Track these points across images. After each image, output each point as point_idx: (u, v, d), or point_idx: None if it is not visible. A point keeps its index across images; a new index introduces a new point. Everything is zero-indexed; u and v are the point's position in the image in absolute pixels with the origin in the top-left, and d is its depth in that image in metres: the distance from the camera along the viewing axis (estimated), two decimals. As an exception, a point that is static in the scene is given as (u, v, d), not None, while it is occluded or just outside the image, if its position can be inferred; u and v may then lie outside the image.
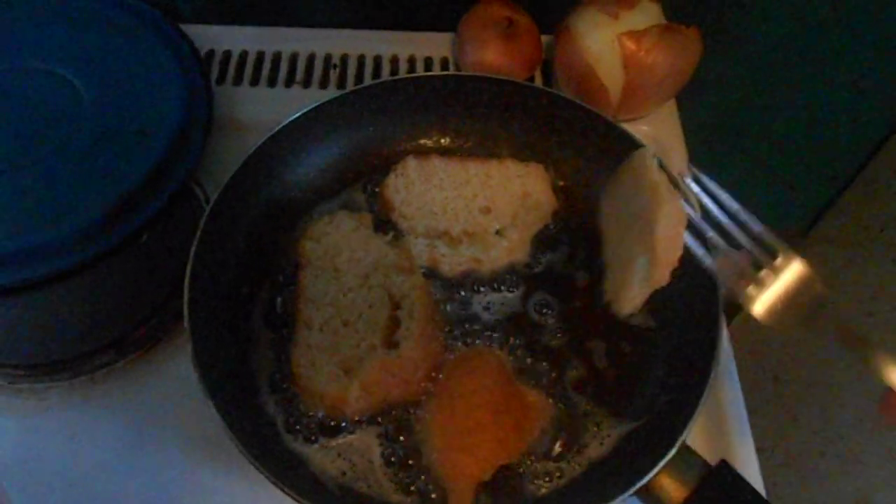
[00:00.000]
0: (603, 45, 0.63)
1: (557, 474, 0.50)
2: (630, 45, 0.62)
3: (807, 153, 0.99)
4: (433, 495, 0.49)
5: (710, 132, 0.91)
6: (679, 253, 0.47)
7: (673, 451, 0.45)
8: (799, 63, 0.84)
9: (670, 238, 0.47)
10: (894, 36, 0.83)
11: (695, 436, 0.51)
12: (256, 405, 0.51)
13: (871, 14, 0.80)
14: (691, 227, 0.47)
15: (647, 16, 0.64)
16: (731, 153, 0.97)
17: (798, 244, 1.13)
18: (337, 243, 0.57)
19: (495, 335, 0.55)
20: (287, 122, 0.58)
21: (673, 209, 0.47)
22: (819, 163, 1.01)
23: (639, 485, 0.44)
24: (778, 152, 0.98)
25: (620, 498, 0.44)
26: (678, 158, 0.70)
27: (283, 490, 0.43)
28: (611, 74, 0.64)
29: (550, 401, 0.53)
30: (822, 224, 1.09)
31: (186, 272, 0.51)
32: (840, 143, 0.97)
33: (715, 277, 0.50)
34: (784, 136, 0.96)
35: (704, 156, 0.88)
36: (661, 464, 0.44)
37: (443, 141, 0.64)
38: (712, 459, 0.46)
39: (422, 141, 0.64)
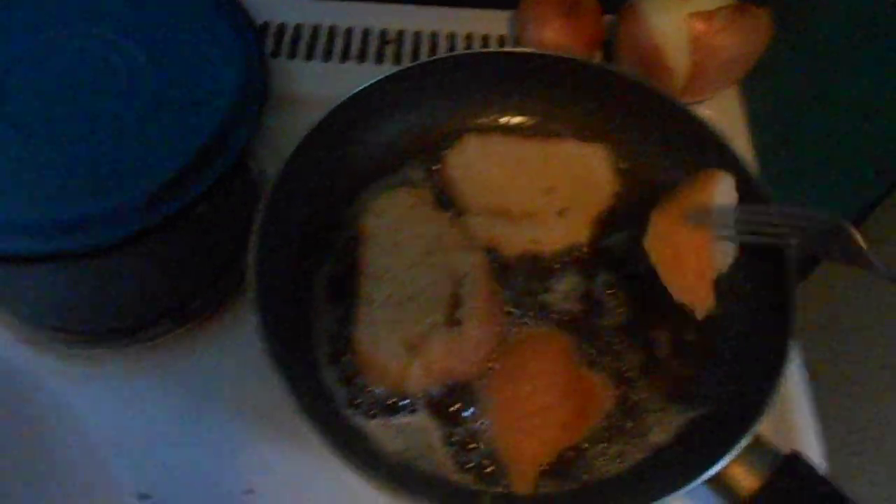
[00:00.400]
0: (671, 25, 0.62)
1: (619, 459, 0.49)
2: (700, 25, 0.61)
3: (860, 150, 0.96)
4: (494, 476, 0.48)
5: (768, 122, 0.88)
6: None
7: (747, 440, 0.44)
8: (862, 55, 0.82)
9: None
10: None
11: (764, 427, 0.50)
12: (317, 378, 0.51)
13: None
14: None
15: (717, -5, 0.62)
16: (790, 145, 0.95)
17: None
18: (398, 219, 0.56)
19: (556, 317, 0.54)
20: (350, 95, 0.57)
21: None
22: (871, 160, 0.99)
23: (711, 472, 0.43)
24: (831, 147, 0.95)
25: (690, 486, 0.43)
26: (741, 146, 0.69)
27: (345, 462, 0.43)
28: (677, 55, 0.62)
29: (613, 385, 0.52)
30: (868, 222, 1.07)
31: (251, 243, 0.50)
32: (890, 144, 0.95)
33: (786, 258, 0.49)
34: (835, 135, 0.93)
35: (765, 149, 0.86)
36: (735, 452, 0.43)
37: (503, 119, 0.63)
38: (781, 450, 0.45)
39: (482, 119, 0.63)
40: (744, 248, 0.53)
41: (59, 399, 0.55)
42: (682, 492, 0.42)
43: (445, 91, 0.61)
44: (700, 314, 0.49)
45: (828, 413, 1.17)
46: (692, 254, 0.50)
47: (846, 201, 1.04)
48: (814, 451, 0.52)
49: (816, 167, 0.97)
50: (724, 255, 0.52)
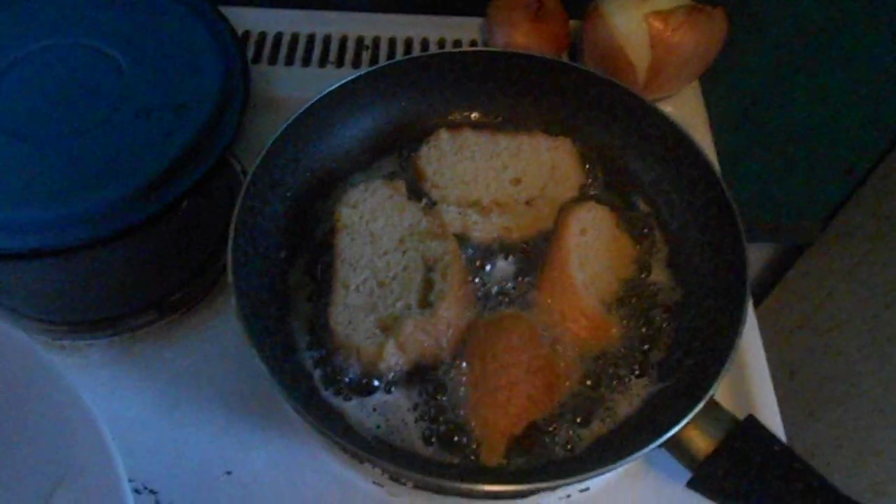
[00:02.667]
0: (631, 25, 0.65)
1: (587, 432, 0.51)
2: (657, 24, 0.64)
3: (825, 146, 1.00)
4: (466, 450, 0.50)
5: (733, 121, 0.92)
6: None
7: (701, 405, 0.46)
8: (819, 53, 0.85)
9: None
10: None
11: (722, 395, 0.53)
12: (296, 360, 0.53)
13: None
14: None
15: (674, -3, 0.66)
16: (753, 143, 0.98)
17: (817, 237, 1.14)
18: (373, 209, 0.58)
19: (525, 300, 0.56)
20: (323, 93, 0.60)
21: None
22: (836, 156, 1.02)
23: (668, 436, 0.45)
24: (797, 144, 0.99)
25: (650, 448, 0.45)
26: (703, 141, 0.72)
27: (323, 433, 0.45)
28: (638, 53, 0.66)
29: (579, 363, 0.54)
30: (840, 217, 1.10)
31: (230, 234, 0.52)
32: (857, 137, 0.98)
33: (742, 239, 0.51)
34: (803, 128, 0.97)
35: (727, 145, 0.89)
36: (690, 416, 0.45)
37: (474, 115, 0.66)
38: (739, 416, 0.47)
39: (454, 115, 0.66)
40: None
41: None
42: (639, 455, 0.44)
43: (418, 89, 0.64)
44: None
45: (807, 410, 1.19)
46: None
47: (813, 197, 1.07)
48: (771, 417, 0.54)
49: (781, 163, 1.00)
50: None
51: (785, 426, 0.55)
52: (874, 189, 1.03)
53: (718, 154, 0.72)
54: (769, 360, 0.58)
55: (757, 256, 1.27)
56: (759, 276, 1.30)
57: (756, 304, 1.30)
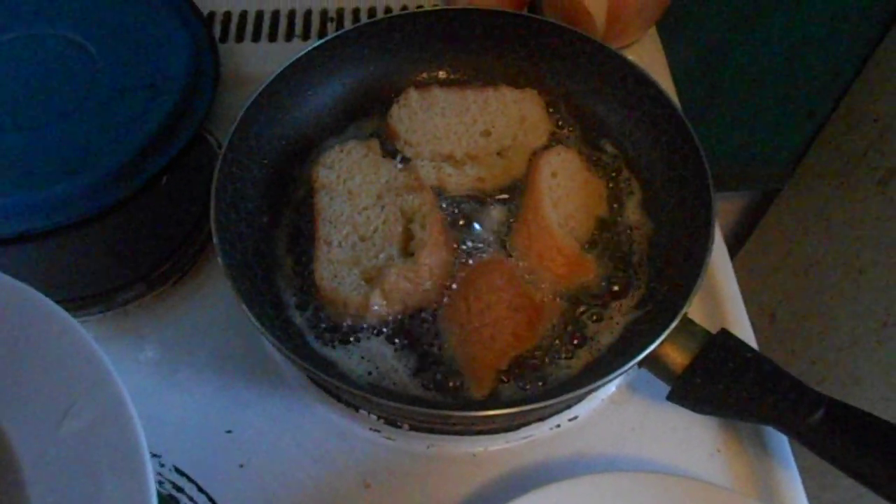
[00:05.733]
0: (586, -25, 0.67)
1: (574, 361, 0.53)
2: (611, -28, 0.66)
3: (785, 91, 1.02)
4: (453, 386, 0.52)
5: (693, 70, 0.94)
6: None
7: (675, 323, 0.48)
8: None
9: None
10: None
11: (697, 315, 0.55)
12: (285, 317, 0.54)
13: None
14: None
15: (627, -54, 0.67)
16: (717, 93, 1.00)
17: (787, 181, 1.17)
18: (349, 168, 0.60)
19: (503, 243, 0.58)
20: (291, 61, 0.61)
21: None
22: (797, 100, 1.05)
23: (646, 352, 0.47)
24: (757, 91, 1.01)
25: (630, 364, 0.47)
26: (665, 86, 0.74)
27: (319, 379, 0.47)
28: (595, 2, 0.67)
29: (559, 299, 0.56)
30: (808, 158, 1.13)
31: (211, 200, 0.54)
32: (816, 80, 1.01)
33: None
34: (761, 75, 0.99)
35: (691, 95, 0.92)
36: (666, 333, 0.48)
37: (441, 73, 0.68)
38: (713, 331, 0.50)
39: (421, 75, 0.67)
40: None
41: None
42: (621, 372, 0.47)
43: (384, 52, 0.66)
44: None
45: (789, 349, 1.22)
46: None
47: (779, 142, 1.10)
48: (743, 330, 0.57)
49: (744, 110, 1.02)
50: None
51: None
52: (835, 130, 1.06)
53: (682, 104, 0.74)
54: (749, 305, 0.60)
55: (732, 206, 1.30)
56: (735, 225, 1.33)
57: (734, 253, 1.34)
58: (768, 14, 0.90)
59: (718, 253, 0.61)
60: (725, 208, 1.28)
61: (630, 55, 0.74)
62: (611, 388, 0.57)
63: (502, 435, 0.54)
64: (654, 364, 0.49)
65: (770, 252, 1.27)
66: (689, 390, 0.48)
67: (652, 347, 0.47)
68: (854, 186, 1.03)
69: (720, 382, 0.47)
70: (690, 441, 0.54)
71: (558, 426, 0.55)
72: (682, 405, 0.49)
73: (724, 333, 0.49)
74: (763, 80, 1.00)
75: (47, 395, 0.28)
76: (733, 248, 1.31)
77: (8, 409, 0.28)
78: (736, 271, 0.62)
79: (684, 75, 0.79)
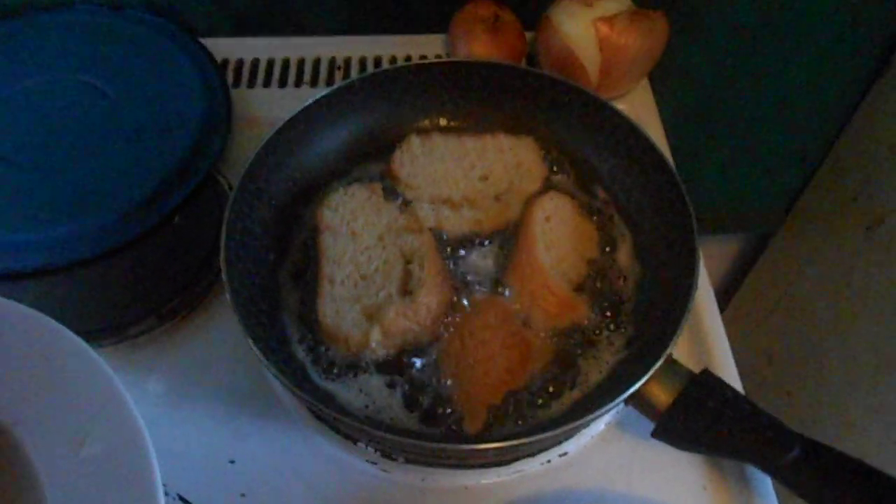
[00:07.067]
0: (580, 31, 0.71)
1: (564, 398, 0.55)
2: (604, 28, 0.70)
3: (777, 136, 1.06)
4: (449, 420, 0.54)
5: (689, 119, 0.98)
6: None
7: (660, 362, 0.50)
8: (761, 49, 0.92)
9: None
10: (848, 22, 0.90)
11: (683, 356, 0.58)
12: (289, 352, 0.57)
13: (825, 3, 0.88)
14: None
15: (619, 3, 0.72)
16: (710, 139, 1.04)
17: (781, 224, 1.20)
18: (352, 210, 0.63)
19: (498, 284, 0.61)
20: (300, 108, 0.65)
21: None
22: (789, 145, 1.08)
23: (632, 390, 0.49)
24: (750, 136, 1.05)
25: (617, 402, 0.49)
26: (656, 136, 0.77)
27: (320, 410, 0.49)
28: (588, 56, 0.71)
29: (551, 337, 0.58)
30: (800, 202, 1.16)
31: (221, 237, 0.57)
32: (807, 125, 1.05)
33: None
34: (755, 121, 1.03)
35: (685, 142, 0.95)
36: (650, 373, 0.50)
37: (442, 121, 0.71)
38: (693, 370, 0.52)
39: (423, 122, 0.71)
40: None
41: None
42: (608, 409, 0.49)
43: (388, 100, 0.69)
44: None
45: (785, 391, 1.23)
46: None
47: (772, 186, 1.13)
48: (727, 370, 0.59)
49: (736, 155, 1.06)
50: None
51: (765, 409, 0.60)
52: (826, 175, 1.10)
53: (674, 150, 0.77)
54: (746, 348, 0.63)
55: (727, 248, 1.32)
56: (731, 267, 1.35)
57: (730, 294, 1.36)
58: (759, 63, 0.94)
59: (705, 295, 0.64)
60: (721, 250, 1.31)
61: (622, 104, 0.79)
62: (600, 425, 0.59)
63: (494, 469, 0.56)
64: (640, 402, 0.51)
65: (766, 294, 1.29)
66: (672, 427, 0.50)
67: (637, 386, 0.50)
68: (844, 232, 1.06)
69: (701, 420, 0.49)
70: (678, 478, 0.56)
71: (549, 461, 0.57)
72: (666, 442, 0.51)
73: (706, 373, 0.51)
74: (755, 126, 1.04)
75: (67, 421, 0.31)
76: (729, 290, 1.34)
77: (31, 432, 0.30)
78: (732, 312, 0.64)
79: (677, 121, 0.83)
